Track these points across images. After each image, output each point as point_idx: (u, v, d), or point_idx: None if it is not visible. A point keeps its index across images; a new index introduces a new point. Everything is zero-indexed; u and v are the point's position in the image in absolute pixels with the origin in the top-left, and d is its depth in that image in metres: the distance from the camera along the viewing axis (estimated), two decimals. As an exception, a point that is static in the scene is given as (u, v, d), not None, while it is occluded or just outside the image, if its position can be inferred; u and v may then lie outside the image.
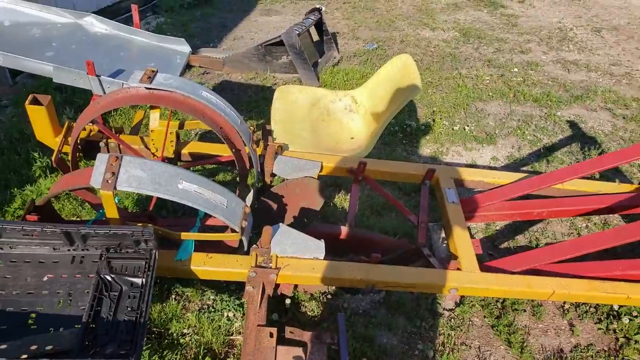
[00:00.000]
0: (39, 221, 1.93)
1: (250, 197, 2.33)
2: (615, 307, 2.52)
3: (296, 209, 2.55)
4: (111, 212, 1.82)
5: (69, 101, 4.01)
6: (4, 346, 1.51)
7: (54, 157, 2.25)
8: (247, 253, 2.06)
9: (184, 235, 1.99)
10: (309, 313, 2.44)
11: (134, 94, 2.11)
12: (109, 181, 1.73)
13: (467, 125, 4.23)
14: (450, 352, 2.30)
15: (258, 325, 1.93)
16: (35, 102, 2.27)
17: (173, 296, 2.46)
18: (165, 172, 1.84)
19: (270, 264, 2.02)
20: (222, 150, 2.57)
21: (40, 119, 2.31)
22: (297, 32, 4.64)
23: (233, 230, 2.00)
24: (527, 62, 5.60)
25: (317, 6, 5.26)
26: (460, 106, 4.54)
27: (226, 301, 2.42)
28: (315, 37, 5.41)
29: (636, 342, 2.36)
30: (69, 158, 2.24)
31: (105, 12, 5.58)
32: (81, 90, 2.69)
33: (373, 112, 3.09)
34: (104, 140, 2.50)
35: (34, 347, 1.52)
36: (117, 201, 2.78)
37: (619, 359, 2.31)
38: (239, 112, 4.17)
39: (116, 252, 1.78)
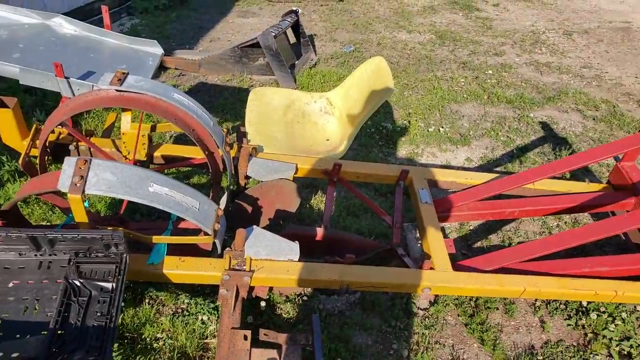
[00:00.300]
0: (4, 226, 1.89)
1: (224, 200, 2.32)
2: (584, 304, 2.58)
3: (272, 211, 2.55)
4: (80, 216, 1.79)
5: (39, 104, 3.93)
6: (-34, 355, 1.47)
7: (21, 160, 2.20)
8: (222, 256, 2.05)
9: (156, 239, 1.97)
10: (284, 315, 2.44)
11: (104, 97, 2.07)
12: (77, 184, 1.70)
13: (442, 127, 4.28)
14: (425, 351, 2.33)
15: (232, 328, 1.93)
16: (1, 104, 2.22)
17: (147, 300, 2.43)
18: (136, 175, 1.82)
19: (244, 267, 2.02)
20: (195, 153, 2.55)
21: (6, 122, 2.26)
22: (274, 33, 4.64)
23: (206, 233, 1.98)
24: (501, 64, 5.70)
25: (294, 8, 5.27)
26: (436, 108, 4.60)
27: (201, 304, 2.41)
28: (293, 39, 5.42)
29: (604, 337, 2.42)
30: (37, 161, 2.20)
31: (77, 13, 5.50)
32: (52, 92, 2.64)
33: (348, 114, 3.11)
34: (74, 143, 2.46)
35: (-2, 355, 1.49)
36: (87, 205, 2.74)
37: (587, 354, 2.37)
38: (215, 114, 4.17)
39: (85, 256, 1.75)
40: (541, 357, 2.35)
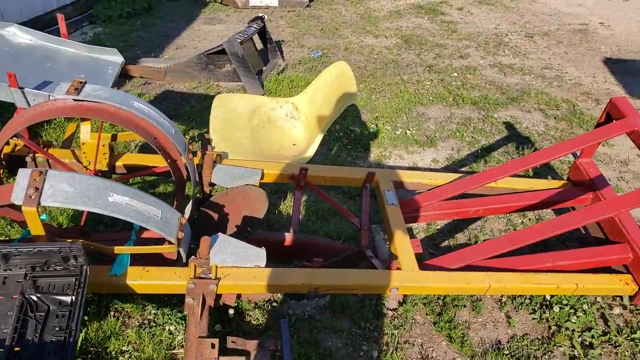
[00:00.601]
0: (-43, 242, 1.83)
1: (188, 208, 2.29)
2: (548, 297, 2.64)
3: (239, 218, 2.53)
4: (36, 229, 1.74)
5: (-2, 115, 3.81)
6: None
7: (-25, 174, 2.14)
8: (187, 265, 2.03)
9: (118, 249, 1.94)
10: (253, 322, 2.42)
11: (61, 106, 2.03)
12: (32, 197, 1.66)
13: (409, 130, 4.34)
14: (394, 351, 2.34)
15: (199, 337, 1.90)
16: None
17: (112, 313, 2.38)
18: (94, 185, 1.79)
19: (210, 275, 2.00)
20: (158, 161, 2.52)
21: (-41, 135, 2.18)
22: (239, 40, 4.62)
23: (170, 242, 1.96)
24: (465, 66, 5.82)
25: (260, 15, 5.27)
26: (403, 111, 4.66)
27: (168, 315, 2.37)
28: (260, 46, 5.41)
29: (566, 328, 2.49)
30: (-8, 175, 2.14)
31: (37, 22, 5.36)
32: (7, 103, 2.57)
33: (314, 118, 3.12)
34: (31, 155, 2.39)
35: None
36: (46, 218, 2.67)
37: (551, 346, 2.43)
38: (181, 122, 4.12)
39: (43, 270, 1.70)
40: (508, 352, 2.39)
